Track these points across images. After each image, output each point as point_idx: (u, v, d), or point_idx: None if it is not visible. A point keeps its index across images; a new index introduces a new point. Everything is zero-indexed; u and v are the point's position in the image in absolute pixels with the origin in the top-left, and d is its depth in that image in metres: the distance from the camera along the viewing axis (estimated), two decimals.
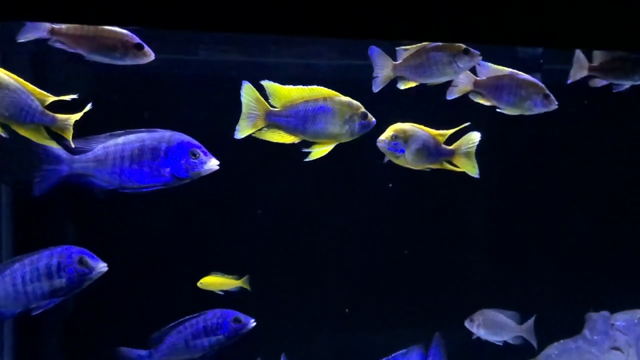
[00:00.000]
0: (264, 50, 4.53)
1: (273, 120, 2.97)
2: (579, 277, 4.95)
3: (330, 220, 4.86)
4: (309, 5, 1.57)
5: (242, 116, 2.94)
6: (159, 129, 2.87)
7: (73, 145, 2.83)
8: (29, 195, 4.43)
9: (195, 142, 2.85)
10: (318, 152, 3.05)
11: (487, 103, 3.31)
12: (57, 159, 2.82)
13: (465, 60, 3.11)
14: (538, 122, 3.65)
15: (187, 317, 3.41)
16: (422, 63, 3.12)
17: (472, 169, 3.33)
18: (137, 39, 2.89)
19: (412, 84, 3.18)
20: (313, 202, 4.78)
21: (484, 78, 3.31)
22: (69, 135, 2.80)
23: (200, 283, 3.89)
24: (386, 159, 3.26)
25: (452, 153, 3.31)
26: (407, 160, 3.23)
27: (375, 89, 3.14)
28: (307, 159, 3.05)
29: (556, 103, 3.32)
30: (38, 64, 4.34)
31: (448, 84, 3.27)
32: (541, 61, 4.77)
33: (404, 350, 3.65)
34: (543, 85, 3.32)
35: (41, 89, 2.87)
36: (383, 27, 1.63)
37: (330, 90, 3.07)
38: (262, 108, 2.95)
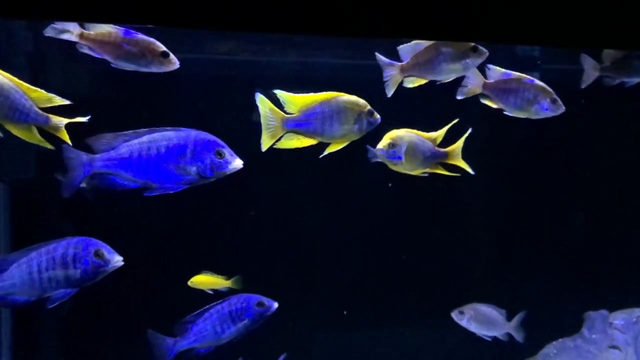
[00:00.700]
0: (264, 51, 4.54)
1: (292, 126, 3.04)
2: (578, 276, 4.96)
3: (329, 220, 4.86)
4: (308, 3, 1.57)
5: (263, 127, 3.01)
6: (183, 128, 2.88)
7: (69, 142, 2.83)
8: (26, 194, 4.45)
9: (221, 142, 2.87)
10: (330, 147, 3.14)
11: (494, 106, 3.35)
12: (77, 160, 2.82)
13: (474, 57, 3.14)
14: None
15: (212, 304, 3.41)
16: (430, 60, 3.15)
17: (467, 168, 3.42)
18: (163, 47, 2.93)
19: (421, 82, 3.22)
20: (312, 202, 4.78)
21: (493, 81, 3.34)
22: (64, 135, 2.81)
23: (191, 282, 3.89)
24: (373, 157, 3.31)
25: (446, 155, 3.39)
26: (405, 166, 3.29)
27: (389, 93, 3.17)
28: (322, 155, 3.13)
29: (563, 107, 3.35)
30: (37, 64, 4.34)
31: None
32: (539, 62, 4.78)
33: None
34: (551, 90, 3.34)
35: (39, 87, 2.88)
36: (380, 25, 1.63)
37: (334, 91, 3.13)
38: (279, 117, 3.01)
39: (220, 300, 3.41)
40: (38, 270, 2.85)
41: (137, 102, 4.42)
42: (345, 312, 4.90)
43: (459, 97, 3.33)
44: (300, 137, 3.06)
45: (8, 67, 2.84)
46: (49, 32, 2.86)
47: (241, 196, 4.60)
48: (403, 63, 3.17)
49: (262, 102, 3.01)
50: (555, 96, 3.33)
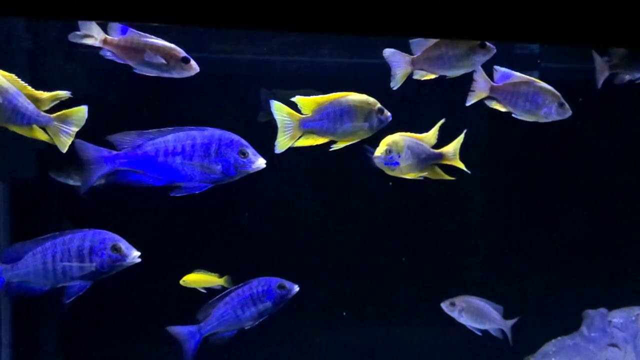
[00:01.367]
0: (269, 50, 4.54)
1: (308, 126, 3.12)
2: (577, 274, 4.96)
3: (328, 219, 4.86)
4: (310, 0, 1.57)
5: (279, 130, 3.08)
6: (207, 127, 2.91)
7: (64, 150, 2.84)
8: (25, 192, 4.46)
9: (245, 141, 2.91)
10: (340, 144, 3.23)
11: (503, 109, 3.38)
12: (98, 157, 2.83)
13: (482, 53, 3.18)
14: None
15: (232, 287, 3.44)
16: (440, 55, 3.20)
17: (463, 167, 3.47)
18: (183, 53, 2.99)
19: (431, 76, 3.27)
20: (311, 200, 4.78)
21: (501, 84, 3.37)
22: (61, 141, 2.82)
23: (183, 281, 3.89)
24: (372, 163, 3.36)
25: (441, 156, 3.44)
26: (402, 170, 3.33)
27: (395, 86, 3.24)
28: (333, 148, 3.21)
29: (570, 111, 3.38)
30: (36, 63, 4.34)
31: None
32: (538, 61, 4.79)
33: None
34: (559, 94, 3.38)
35: (39, 87, 2.88)
36: (382, 23, 1.63)
37: (345, 91, 3.21)
38: (295, 118, 3.09)
39: (241, 284, 3.43)
40: (53, 261, 2.85)
41: (137, 101, 4.42)
42: (344, 313, 4.91)
43: (468, 103, 3.38)
44: (315, 136, 3.14)
45: (7, 66, 2.84)
46: (73, 37, 2.92)
47: (241, 195, 4.61)
48: (414, 56, 3.22)
49: (278, 107, 3.09)
50: (562, 100, 3.38)
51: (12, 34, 4.27)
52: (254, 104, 4.39)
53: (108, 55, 2.96)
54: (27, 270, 2.88)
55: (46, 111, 2.85)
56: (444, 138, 3.50)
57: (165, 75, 3.01)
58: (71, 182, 4.17)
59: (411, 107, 3.63)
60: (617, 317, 4.38)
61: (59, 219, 4.47)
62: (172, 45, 2.99)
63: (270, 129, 3.09)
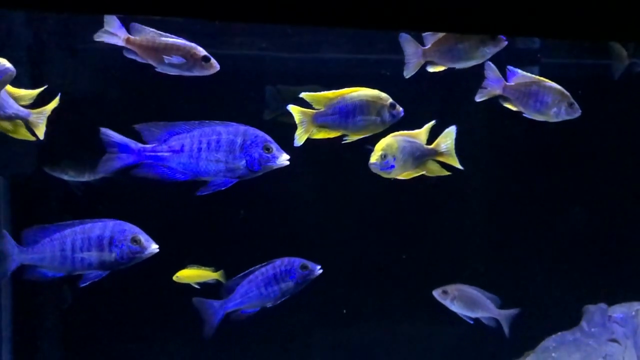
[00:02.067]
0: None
1: (321, 121, 3.18)
2: (577, 269, 4.96)
3: (327, 216, 4.86)
4: None
5: (298, 126, 3.17)
6: (232, 123, 2.94)
7: (42, 138, 2.86)
8: (26, 188, 4.45)
9: (269, 137, 2.94)
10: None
11: (514, 108, 3.41)
12: (124, 147, 2.85)
13: (492, 46, 3.21)
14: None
15: (256, 266, 3.48)
16: (451, 48, 3.24)
17: (455, 163, 3.47)
18: (204, 52, 3.03)
19: (441, 68, 3.31)
20: (310, 198, 4.78)
21: (513, 84, 3.38)
22: (41, 130, 2.83)
23: (177, 277, 3.88)
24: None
25: (434, 152, 3.45)
26: (398, 171, 3.36)
27: (407, 74, 3.30)
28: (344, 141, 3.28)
29: (580, 111, 3.41)
30: (36, 58, 4.34)
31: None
32: (539, 55, 4.78)
33: None
34: (568, 94, 3.40)
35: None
36: (386, 16, 1.63)
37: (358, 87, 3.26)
38: (309, 114, 3.16)
39: (265, 263, 3.47)
40: (72, 249, 2.86)
41: (137, 97, 4.42)
42: (344, 311, 4.91)
43: (478, 99, 3.42)
44: (328, 129, 3.21)
45: (7, 60, 2.84)
46: (98, 36, 2.96)
47: (242, 192, 4.60)
48: (426, 47, 3.25)
49: (294, 109, 3.16)
50: (572, 100, 3.41)
51: (12, 29, 4.27)
52: (258, 100, 4.40)
53: (130, 55, 3.01)
54: (43, 255, 2.88)
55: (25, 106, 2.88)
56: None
57: (187, 74, 3.05)
58: (66, 178, 4.18)
59: (412, 103, 3.62)
60: (617, 312, 4.38)
61: (60, 215, 4.47)
62: (193, 45, 3.03)
63: (276, 126, 3.11)
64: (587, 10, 1.73)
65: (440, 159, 3.47)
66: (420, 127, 3.45)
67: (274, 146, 2.91)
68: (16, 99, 2.84)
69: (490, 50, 3.23)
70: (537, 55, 4.73)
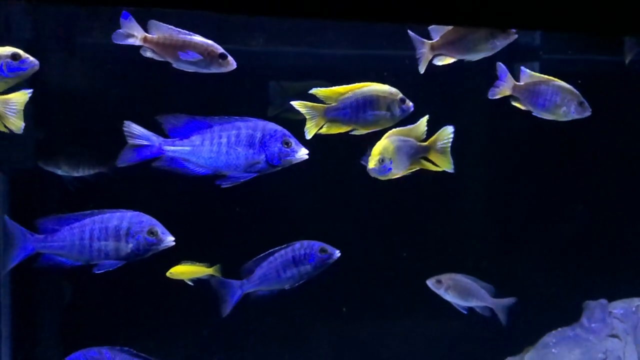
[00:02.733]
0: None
1: (332, 115, 3.19)
2: (577, 265, 4.97)
3: (327, 212, 4.85)
4: None
5: (308, 121, 3.18)
6: (251, 118, 2.96)
7: (18, 131, 2.84)
8: (25, 184, 4.44)
9: (287, 132, 2.95)
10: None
11: (523, 107, 3.42)
12: (147, 139, 2.87)
13: (501, 38, 3.22)
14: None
15: (275, 248, 3.49)
16: (460, 40, 3.24)
17: (447, 165, 3.46)
18: (221, 49, 3.04)
19: (450, 61, 3.32)
20: (310, 194, 4.77)
21: (523, 83, 3.41)
22: (14, 123, 2.82)
23: (170, 273, 3.86)
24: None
25: (428, 149, 3.45)
26: (394, 172, 3.36)
27: (422, 69, 3.32)
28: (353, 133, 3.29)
29: (590, 110, 3.42)
30: (35, 52, 4.31)
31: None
32: (540, 52, 4.78)
33: None
34: (578, 92, 3.41)
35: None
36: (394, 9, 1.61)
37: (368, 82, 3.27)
38: (319, 109, 3.18)
39: (284, 246, 3.49)
40: (90, 238, 2.87)
41: (136, 93, 4.40)
42: (344, 309, 4.91)
43: (490, 97, 3.43)
44: (338, 124, 3.22)
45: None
46: (116, 39, 2.98)
47: (242, 189, 4.59)
48: (433, 41, 3.25)
49: (305, 104, 3.17)
50: (582, 99, 3.42)
51: (10, 23, 4.24)
52: (262, 96, 4.39)
53: (148, 54, 3.01)
54: (62, 244, 2.89)
55: None
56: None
57: (204, 71, 3.06)
58: (60, 172, 4.17)
59: (415, 98, 3.61)
60: (618, 308, 4.39)
61: (59, 211, 4.45)
62: (210, 42, 3.04)
63: (280, 122, 3.10)
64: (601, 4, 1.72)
65: (434, 157, 3.47)
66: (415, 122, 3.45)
67: (293, 140, 2.93)
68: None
69: (500, 43, 3.24)
70: (538, 52, 4.73)
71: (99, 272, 2.92)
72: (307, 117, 3.15)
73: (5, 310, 4.45)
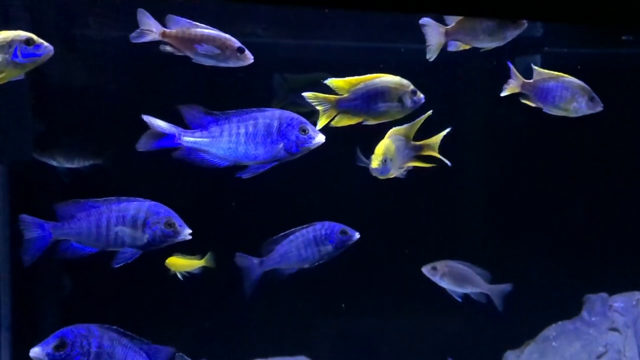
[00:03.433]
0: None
1: (344, 106, 3.20)
2: (578, 258, 4.96)
3: (327, 208, 4.84)
4: None
5: (320, 112, 3.19)
6: (266, 108, 2.96)
7: None
8: (24, 175, 4.43)
9: (303, 119, 2.96)
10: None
11: (533, 104, 3.42)
12: (167, 131, 2.87)
13: (513, 28, 3.22)
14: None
15: (296, 228, 3.51)
16: (474, 27, 3.24)
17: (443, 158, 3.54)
18: (238, 43, 3.06)
19: (465, 47, 3.33)
20: (310, 190, 4.76)
21: (532, 80, 3.43)
22: None
23: (166, 263, 3.86)
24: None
25: (421, 148, 3.53)
26: (392, 173, 3.42)
27: (431, 56, 3.31)
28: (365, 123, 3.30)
29: (602, 105, 3.42)
30: None
31: None
32: (542, 45, 4.76)
33: None
34: (589, 88, 3.40)
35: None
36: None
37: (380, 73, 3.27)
38: (330, 100, 3.18)
39: (305, 225, 3.51)
40: (107, 226, 2.88)
41: (136, 89, 4.39)
42: (343, 305, 4.91)
43: (502, 95, 3.45)
44: (350, 115, 3.23)
45: None
46: (136, 37, 3.00)
47: (243, 185, 4.58)
48: (448, 27, 3.25)
49: (317, 95, 3.17)
50: (593, 94, 3.41)
51: (9, 14, 4.23)
52: (265, 89, 4.38)
53: (167, 49, 3.03)
54: (79, 230, 2.90)
55: None
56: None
57: (222, 65, 3.08)
58: (54, 163, 4.17)
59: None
60: (618, 301, 4.39)
61: (60, 201, 4.44)
62: (227, 36, 3.06)
63: None
64: None
65: (427, 153, 3.56)
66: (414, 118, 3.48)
67: (310, 127, 2.94)
68: None
69: (512, 32, 3.23)
70: (540, 45, 4.71)
71: (117, 265, 2.92)
72: (318, 108, 3.16)
73: (5, 300, 4.46)
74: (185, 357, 3.06)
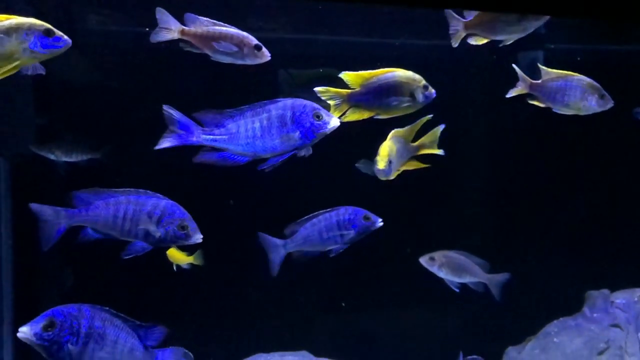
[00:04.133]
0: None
1: (355, 100, 3.24)
2: (580, 255, 4.96)
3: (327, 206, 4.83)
4: None
5: (331, 106, 3.24)
6: (279, 98, 2.98)
7: None
8: (26, 168, 4.42)
9: (316, 105, 2.97)
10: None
11: (542, 105, 3.43)
12: (186, 128, 2.90)
13: (532, 20, 3.26)
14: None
15: (320, 211, 3.55)
16: (493, 21, 3.27)
17: (436, 150, 3.62)
18: (255, 40, 3.11)
19: (483, 41, 3.37)
20: (310, 187, 4.75)
21: (540, 81, 3.45)
22: None
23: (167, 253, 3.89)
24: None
25: (418, 149, 3.60)
26: (393, 174, 3.48)
27: (455, 44, 3.37)
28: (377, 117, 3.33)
29: (612, 102, 3.42)
30: None
31: None
32: (544, 41, 4.76)
33: None
34: (599, 86, 3.41)
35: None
36: None
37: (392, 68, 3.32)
38: (342, 94, 3.23)
39: (329, 209, 3.54)
40: (123, 217, 2.94)
41: (136, 86, 4.38)
42: (343, 304, 4.91)
43: (508, 96, 3.49)
44: (361, 109, 3.27)
45: None
46: (155, 37, 3.05)
47: (242, 184, 4.58)
48: (467, 20, 3.29)
49: (329, 89, 3.21)
50: (603, 92, 3.41)
51: (11, 6, 4.21)
52: (270, 84, 4.39)
53: (186, 47, 3.07)
54: (96, 219, 2.96)
55: None
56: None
57: (240, 62, 3.12)
58: (52, 157, 4.18)
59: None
60: (620, 298, 4.40)
61: (61, 195, 4.44)
62: (245, 34, 3.09)
63: None
64: None
65: (423, 152, 3.62)
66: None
67: (323, 112, 2.95)
68: None
69: (531, 25, 3.28)
70: (542, 41, 4.71)
71: (126, 257, 2.98)
72: (330, 102, 3.18)
73: (7, 294, 4.46)
74: (189, 353, 3.07)
